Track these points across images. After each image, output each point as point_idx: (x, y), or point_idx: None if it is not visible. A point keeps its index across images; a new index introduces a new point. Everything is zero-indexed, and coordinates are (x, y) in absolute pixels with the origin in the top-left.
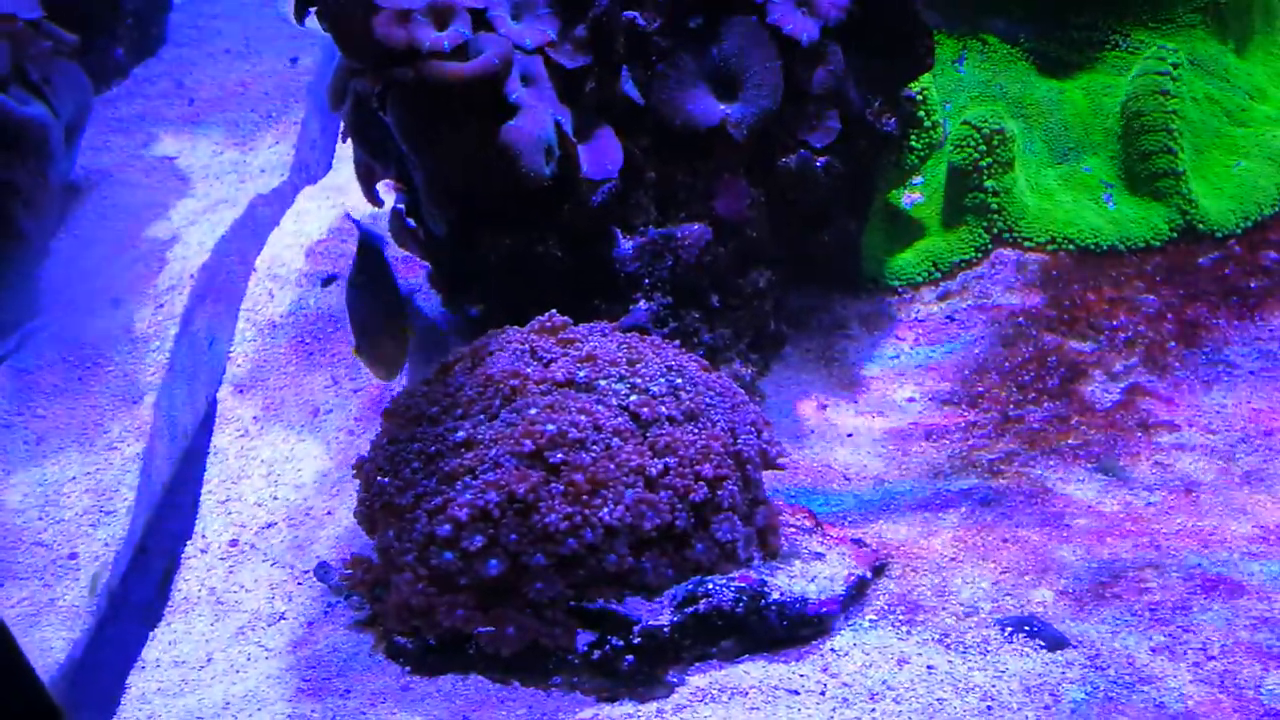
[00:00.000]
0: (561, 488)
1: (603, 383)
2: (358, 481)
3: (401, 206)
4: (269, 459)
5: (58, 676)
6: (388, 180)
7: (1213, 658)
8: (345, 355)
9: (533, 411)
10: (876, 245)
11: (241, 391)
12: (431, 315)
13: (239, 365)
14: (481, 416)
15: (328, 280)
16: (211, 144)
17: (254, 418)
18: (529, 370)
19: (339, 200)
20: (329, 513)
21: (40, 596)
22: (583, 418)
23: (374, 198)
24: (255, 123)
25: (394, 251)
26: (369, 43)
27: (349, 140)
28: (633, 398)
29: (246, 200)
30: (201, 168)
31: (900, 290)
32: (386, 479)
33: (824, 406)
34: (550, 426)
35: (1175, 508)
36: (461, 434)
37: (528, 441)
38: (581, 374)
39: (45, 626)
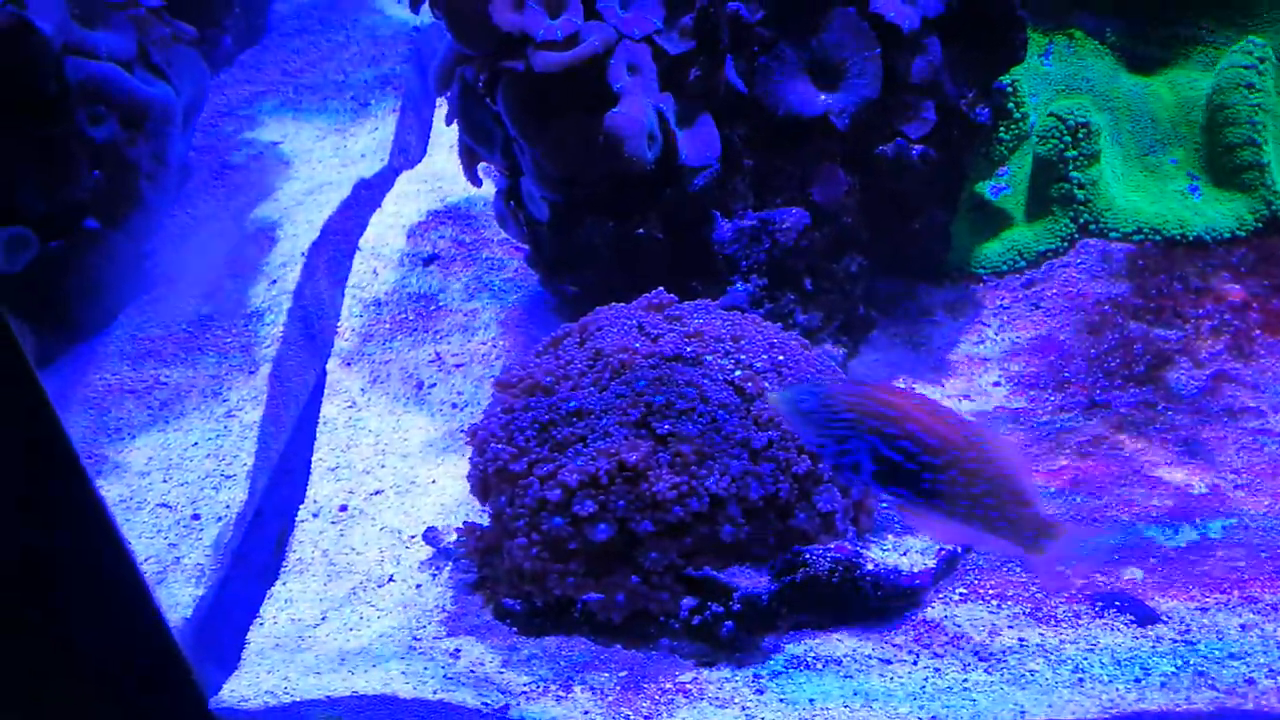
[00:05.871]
0: (669, 457)
1: (709, 358)
2: (461, 453)
3: (503, 189)
4: (376, 429)
5: (185, 631)
6: (487, 164)
7: None
8: (446, 332)
9: (641, 384)
10: (963, 234)
11: (349, 364)
12: (529, 295)
13: (346, 340)
14: (592, 388)
15: (429, 260)
16: (314, 129)
17: (361, 389)
18: (637, 345)
19: (435, 184)
20: (434, 481)
21: (166, 555)
22: (690, 390)
23: (475, 180)
24: (355, 110)
25: (492, 233)
26: (483, 29)
27: (452, 124)
28: (737, 373)
29: (350, 183)
30: (304, 152)
31: (986, 279)
32: (500, 445)
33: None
34: (658, 398)
35: (1262, 490)
36: (573, 404)
37: (635, 412)
38: (689, 349)
39: (172, 584)
